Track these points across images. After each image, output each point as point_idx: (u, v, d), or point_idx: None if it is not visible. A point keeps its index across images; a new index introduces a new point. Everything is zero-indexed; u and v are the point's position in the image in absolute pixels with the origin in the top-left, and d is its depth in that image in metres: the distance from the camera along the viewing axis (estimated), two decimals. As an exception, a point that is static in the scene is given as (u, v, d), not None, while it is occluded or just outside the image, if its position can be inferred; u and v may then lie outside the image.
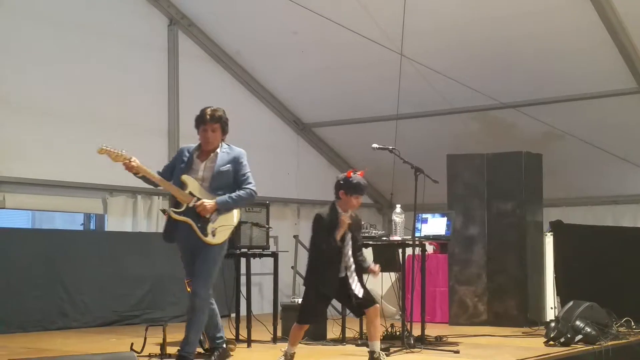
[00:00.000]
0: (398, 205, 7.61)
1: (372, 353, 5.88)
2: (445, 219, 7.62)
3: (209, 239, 5.70)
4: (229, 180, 5.88)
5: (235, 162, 5.93)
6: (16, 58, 8.97)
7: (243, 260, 7.52)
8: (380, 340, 6.28)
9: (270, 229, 7.70)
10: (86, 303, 9.03)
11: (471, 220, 9.45)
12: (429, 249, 9.80)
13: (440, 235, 7.67)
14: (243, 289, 7.50)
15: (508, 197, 9.35)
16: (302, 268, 7.72)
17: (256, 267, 8.59)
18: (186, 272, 5.95)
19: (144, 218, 10.07)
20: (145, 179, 5.80)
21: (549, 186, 9.86)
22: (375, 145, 7.19)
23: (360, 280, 5.90)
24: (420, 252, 7.55)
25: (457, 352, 6.74)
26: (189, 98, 10.65)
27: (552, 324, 7.37)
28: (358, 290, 5.81)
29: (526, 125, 10.53)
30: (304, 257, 9.30)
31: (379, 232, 7.67)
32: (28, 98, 9.09)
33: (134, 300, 9.45)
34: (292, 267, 11.05)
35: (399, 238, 7.46)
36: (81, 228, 10.79)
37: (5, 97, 8.87)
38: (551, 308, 9.30)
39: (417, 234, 7.37)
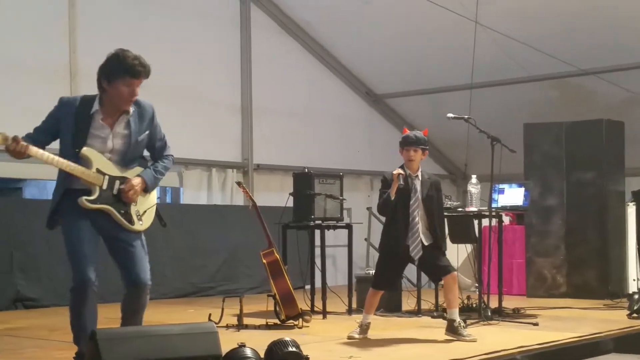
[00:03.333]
0: (474, 176, 7.47)
1: (451, 322, 5.81)
2: (522, 189, 7.46)
3: (137, 226, 4.52)
4: (143, 149, 4.62)
5: (151, 124, 4.58)
6: (95, 35, 9.06)
7: (317, 232, 7.52)
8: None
9: (344, 201, 7.67)
10: (164, 275, 9.19)
11: (549, 190, 9.24)
12: (505, 220, 9.64)
13: (517, 205, 7.53)
14: (317, 261, 7.52)
15: (588, 167, 9.10)
16: (375, 240, 7.69)
17: (330, 239, 8.58)
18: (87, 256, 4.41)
19: (219, 191, 10.18)
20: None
21: (632, 155, 9.54)
22: (450, 114, 7.05)
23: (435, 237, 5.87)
24: (496, 224, 7.42)
25: (535, 324, 6.61)
26: (261, 71, 10.69)
27: (636, 296, 7.17)
28: (425, 239, 5.80)
29: (607, 92, 10.21)
30: (377, 229, 9.27)
31: (455, 203, 7.56)
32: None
33: (210, 272, 9.58)
34: (365, 239, 11.02)
35: (475, 209, 7.34)
36: (157, 201, 10.96)
37: (86, 74, 8.90)
38: (634, 280, 9.05)
39: (493, 205, 7.24)
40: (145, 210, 4.58)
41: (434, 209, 5.93)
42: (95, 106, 4.40)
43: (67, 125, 4.36)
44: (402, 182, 5.76)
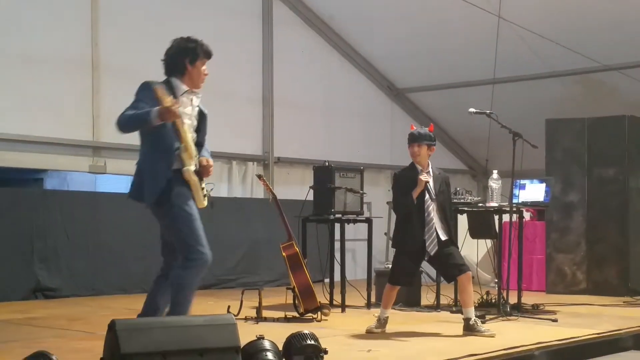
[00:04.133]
0: (495, 171, 7.45)
1: (467, 320, 5.82)
2: (543, 185, 7.42)
3: (205, 202, 4.81)
4: None
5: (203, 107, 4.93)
6: (117, 28, 9.14)
7: (337, 226, 7.53)
8: (476, 307, 6.22)
9: (364, 195, 7.68)
10: (185, 266, 9.24)
11: (570, 186, 9.19)
12: (526, 215, 9.60)
13: (538, 201, 7.48)
14: (337, 255, 7.52)
15: (610, 163, 9.04)
16: (396, 234, 7.68)
17: (349, 233, 8.60)
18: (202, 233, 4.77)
19: (239, 184, 10.21)
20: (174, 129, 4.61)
21: (654, 151, 9.47)
22: (472, 109, 7.02)
23: (448, 232, 5.90)
24: (517, 219, 7.39)
25: (555, 320, 6.59)
26: (283, 64, 10.70)
27: (656, 294, 7.12)
28: (442, 234, 5.84)
29: (630, 88, 10.12)
30: (397, 223, 9.26)
31: (475, 198, 7.55)
32: (129, 67, 9.24)
33: (230, 265, 9.62)
34: (385, 234, 11.00)
35: (496, 204, 7.32)
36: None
37: (108, 67, 9.06)
38: (654, 277, 8.99)
39: (514, 201, 7.21)
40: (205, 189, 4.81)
41: (445, 204, 5.98)
42: (183, 87, 4.74)
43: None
44: (430, 187, 5.83)
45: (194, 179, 4.66)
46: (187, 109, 4.77)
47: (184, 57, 4.76)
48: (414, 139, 5.93)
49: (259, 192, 10.24)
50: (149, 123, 4.52)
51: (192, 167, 4.66)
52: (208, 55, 4.82)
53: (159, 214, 4.76)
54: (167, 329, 3.76)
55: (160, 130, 4.60)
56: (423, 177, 5.83)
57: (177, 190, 4.64)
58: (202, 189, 4.74)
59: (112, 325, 3.69)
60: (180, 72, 4.77)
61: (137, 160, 4.85)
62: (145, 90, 4.63)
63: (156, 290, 4.87)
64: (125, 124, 4.63)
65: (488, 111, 7.03)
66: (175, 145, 4.62)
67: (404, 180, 5.90)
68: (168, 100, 4.44)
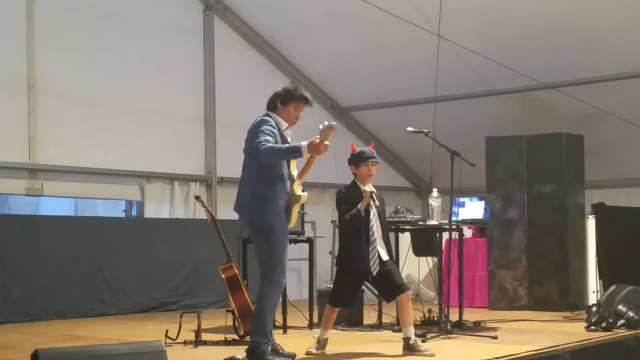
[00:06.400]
0: (435, 189, 7.49)
1: (407, 339, 5.81)
2: (482, 202, 7.47)
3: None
4: None
5: None
6: (54, 47, 9.01)
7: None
8: (418, 325, 6.21)
9: (305, 215, 7.64)
10: (124, 290, 9.09)
11: (511, 203, 9.29)
12: (468, 233, 9.67)
13: (477, 219, 7.52)
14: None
15: (549, 180, 9.16)
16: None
17: (294, 252, 8.54)
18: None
19: (182, 204, 10.09)
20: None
21: (591, 168, 9.65)
22: (410, 128, 7.07)
23: (389, 251, 5.92)
24: (457, 237, 7.43)
25: (495, 337, 6.62)
26: (225, 84, 10.65)
27: (594, 309, 7.21)
28: (383, 254, 5.83)
29: (567, 106, 10.31)
30: (341, 242, 9.23)
31: (415, 217, 7.56)
32: (66, 87, 9.15)
33: (172, 287, 9.49)
34: (329, 252, 10.99)
35: (436, 222, 7.35)
36: (123, 215, 10.86)
37: (44, 86, 8.93)
38: (593, 292, 9.11)
39: (453, 218, 7.25)
40: None
41: (385, 222, 5.98)
42: (282, 125, 5.49)
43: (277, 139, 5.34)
44: (375, 200, 5.79)
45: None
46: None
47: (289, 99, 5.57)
48: (372, 157, 5.93)
49: (201, 213, 10.08)
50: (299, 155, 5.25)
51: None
52: (306, 101, 5.65)
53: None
54: (92, 359, 3.66)
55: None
56: (368, 187, 5.82)
57: (281, 215, 5.39)
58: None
59: (35, 356, 3.58)
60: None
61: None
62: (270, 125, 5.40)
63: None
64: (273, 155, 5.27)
65: (425, 130, 7.08)
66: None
67: (349, 198, 5.85)
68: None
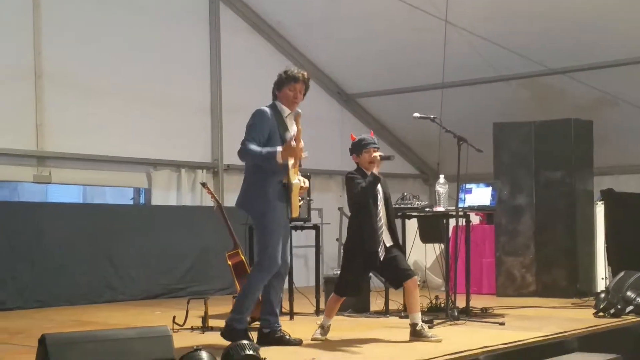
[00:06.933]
0: (441, 176, 7.47)
1: (413, 325, 5.79)
2: (490, 188, 7.44)
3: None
4: None
5: None
6: (60, 36, 9.00)
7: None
8: (425, 312, 6.19)
9: (311, 201, 7.63)
10: (132, 276, 9.12)
11: (518, 189, 9.25)
12: (475, 219, 9.64)
13: (484, 205, 7.50)
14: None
15: (557, 166, 9.11)
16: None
17: (301, 239, 8.57)
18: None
19: (188, 192, 10.08)
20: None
21: (600, 154, 9.57)
22: (416, 114, 7.04)
23: (394, 237, 5.88)
24: (464, 223, 7.41)
25: (502, 324, 6.60)
26: (231, 71, 10.62)
27: (602, 295, 7.17)
28: (387, 240, 5.79)
29: (576, 92, 10.24)
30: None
31: (422, 203, 7.54)
32: (73, 74, 9.14)
33: (179, 274, 9.52)
34: (336, 239, 10.99)
35: (443, 209, 7.33)
36: (131, 202, 10.88)
37: (52, 74, 8.92)
38: (602, 279, 9.08)
39: (460, 205, 7.23)
40: None
41: (391, 208, 5.94)
42: (284, 111, 5.55)
43: (275, 127, 5.46)
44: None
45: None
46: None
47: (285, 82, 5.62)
48: (374, 143, 5.88)
49: (208, 200, 10.09)
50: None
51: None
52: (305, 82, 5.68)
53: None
54: (99, 343, 3.68)
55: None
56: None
57: (277, 202, 5.45)
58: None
59: (42, 340, 3.59)
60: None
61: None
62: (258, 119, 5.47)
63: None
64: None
65: (432, 116, 7.05)
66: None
67: (358, 176, 5.80)
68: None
